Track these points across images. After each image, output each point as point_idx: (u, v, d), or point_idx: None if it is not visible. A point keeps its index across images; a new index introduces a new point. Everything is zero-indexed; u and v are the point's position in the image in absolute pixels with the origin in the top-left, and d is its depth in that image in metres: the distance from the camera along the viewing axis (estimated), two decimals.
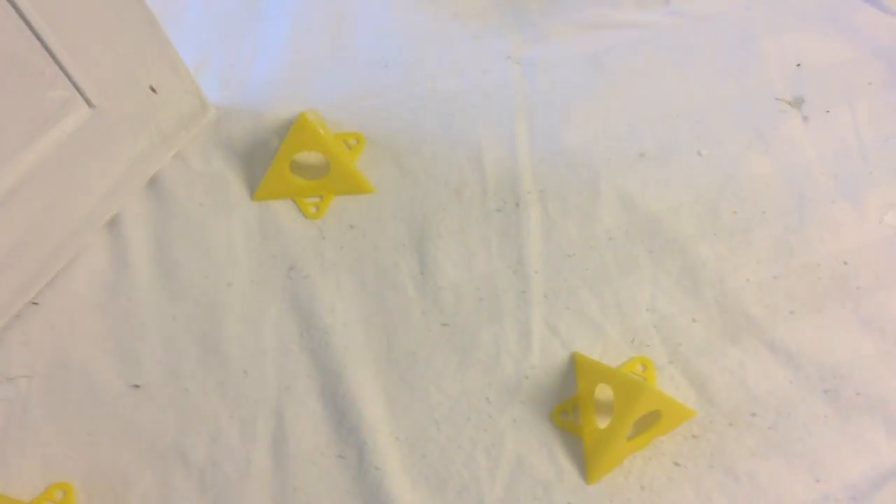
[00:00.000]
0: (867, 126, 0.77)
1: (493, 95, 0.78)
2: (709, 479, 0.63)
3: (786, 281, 0.70)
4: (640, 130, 0.77)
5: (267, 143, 0.75)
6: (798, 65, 0.80)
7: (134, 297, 0.69)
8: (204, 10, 0.83)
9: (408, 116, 0.77)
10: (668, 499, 0.62)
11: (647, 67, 0.81)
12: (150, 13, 0.66)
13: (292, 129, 0.72)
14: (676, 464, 0.64)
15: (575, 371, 0.67)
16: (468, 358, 0.68)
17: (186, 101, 0.74)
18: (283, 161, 0.72)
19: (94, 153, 0.68)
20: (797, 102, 0.79)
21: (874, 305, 0.69)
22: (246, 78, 0.79)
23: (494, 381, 0.67)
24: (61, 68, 0.61)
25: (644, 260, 0.72)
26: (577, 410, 0.65)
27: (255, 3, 0.83)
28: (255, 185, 0.73)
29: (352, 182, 0.73)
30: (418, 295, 0.70)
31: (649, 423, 0.64)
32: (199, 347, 0.68)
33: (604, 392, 0.65)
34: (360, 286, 0.70)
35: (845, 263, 0.71)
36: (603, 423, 0.64)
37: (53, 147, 0.64)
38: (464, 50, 0.80)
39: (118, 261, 0.70)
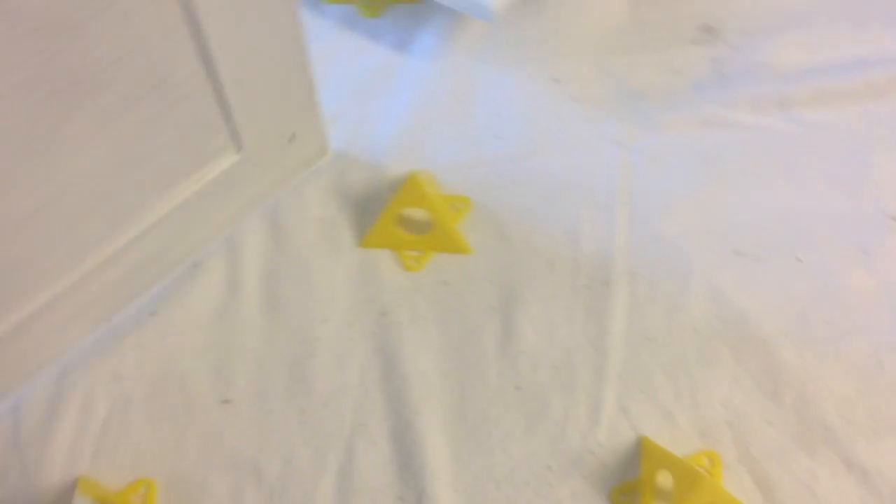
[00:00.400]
0: None
1: (599, 177, 0.81)
2: None
3: (871, 399, 0.69)
4: (740, 229, 0.78)
5: (380, 195, 0.80)
6: None
7: (239, 320, 0.75)
8: (344, 73, 0.90)
9: (514, 187, 0.81)
10: None
11: (756, 169, 0.82)
12: (313, 76, 0.73)
13: (403, 186, 0.78)
14: None
15: (639, 454, 0.68)
16: (536, 424, 0.70)
17: (315, 147, 0.81)
18: (391, 213, 0.77)
19: (227, 190, 0.75)
20: None
21: None
22: (371, 135, 0.85)
23: (559, 451, 0.68)
24: (229, 119, 0.68)
25: (726, 355, 0.72)
26: (637, 494, 0.66)
27: (390, 72, 0.90)
28: (363, 233, 0.79)
29: (452, 241, 0.77)
30: (497, 356, 0.72)
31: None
32: (288, 374, 0.72)
33: (666, 479, 0.65)
34: (445, 340, 0.73)
35: None
36: None
37: (198, 186, 0.71)
38: (576, 131, 0.84)
39: (230, 284, 0.77)
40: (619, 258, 0.76)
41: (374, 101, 0.87)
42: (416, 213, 0.79)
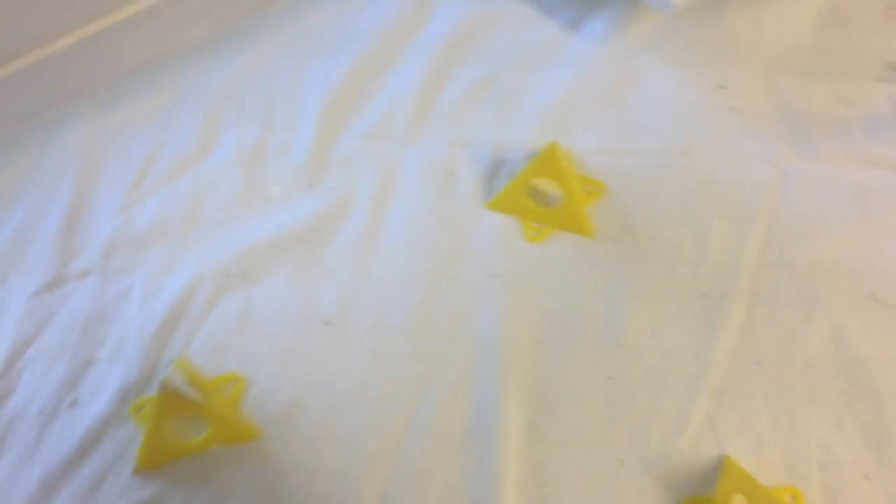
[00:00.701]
0: None
1: (742, 192, 0.78)
2: None
3: None
4: (881, 275, 0.73)
5: (515, 162, 0.81)
6: None
7: (364, 249, 0.77)
8: (508, 40, 0.90)
9: (652, 183, 0.79)
10: None
11: None
12: None
13: (540, 155, 0.78)
14: None
15: (719, 472, 0.65)
16: (619, 416, 0.68)
17: None
18: (523, 181, 0.77)
19: None
20: None
21: None
22: (519, 102, 0.85)
23: (636, 447, 0.67)
24: None
25: (835, 397, 0.68)
26: None
27: (555, 48, 0.89)
28: (491, 195, 0.79)
29: (578, 222, 0.77)
30: (594, 342, 0.71)
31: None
32: (389, 310, 0.74)
33: (741, 503, 0.63)
34: (546, 314, 0.73)
35: None
36: None
37: None
38: (729, 141, 0.81)
39: (351, 210, 0.79)
40: (744, 276, 0.73)
41: (532, 72, 0.87)
42: (548, 186, 0.79)
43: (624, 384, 0.69)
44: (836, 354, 0.70)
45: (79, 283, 0.75)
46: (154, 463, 0.67)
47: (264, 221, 0.78)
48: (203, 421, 0.68)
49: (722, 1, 0.89)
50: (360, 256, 0.76)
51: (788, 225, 0.76)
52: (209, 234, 0.77)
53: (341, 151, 0.82)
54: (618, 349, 0.71)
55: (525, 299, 0.74)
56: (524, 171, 0.77)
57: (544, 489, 0.66)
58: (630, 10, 0.89)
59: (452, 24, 0.91)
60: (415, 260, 0.76)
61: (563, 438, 0.67)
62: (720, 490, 0.63)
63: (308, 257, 0.76)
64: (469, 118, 0.84)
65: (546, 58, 0.88)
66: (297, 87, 0.86)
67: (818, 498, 0.64)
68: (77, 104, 0.83)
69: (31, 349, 0.72)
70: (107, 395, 0.70)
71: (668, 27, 0.88)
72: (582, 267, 0.75)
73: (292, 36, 0.90)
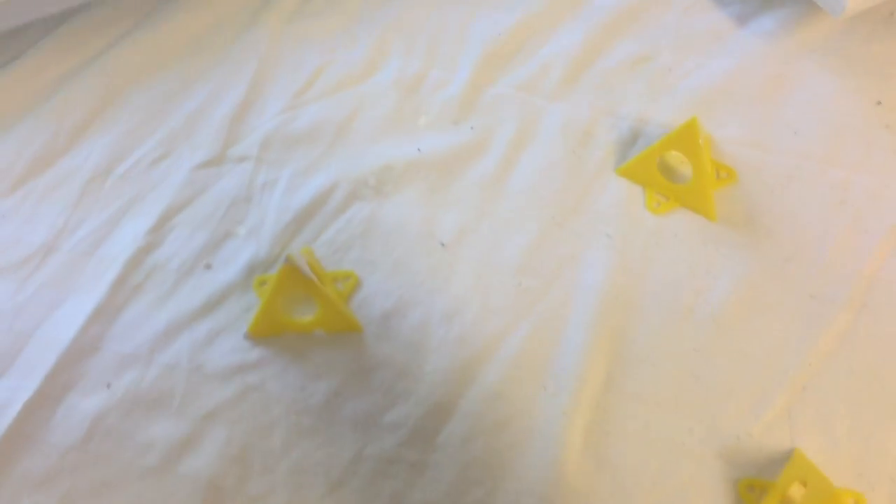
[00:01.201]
0: None
1: (879, 207, 0.76)
2: None
3: None
4: None
5: (651, 134, 0.83)
6: None
7: (492, 186, 0.82)
8: (674, 22, 0.92)
9: (787, 183, 0.79)
10: None
11: None
12: None
13: (679, 129, 0.79)
14: None
15: (784, 462, 0.65)
16: (698, 389, 0.69)
17: None
18: (656, 151, 0.79)
19: None
20: None
21: None
22: (670, 83, 0.86)
23: (707, 421, 0.68)
24: None
25: None
26: (765, 494, 0.64)
27: (719, 36, 0.90)
28: (622, 161, 0.82)
29: (702, 203, 0.77)
30: (690, 315, 0.73)
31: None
32: (516, 252, 0.78)
33: (799, 492, 0.63)
34: (649, 281, 0.75)
35: None
36: None
37: None
38: (878, 157, 0.79)
39: (489, 151, 0.84)
40: (858, 285, 0.73)
41: (690, 55, 0.88)
42: (680, 162, 0.80)
43: (709, 360, 0.71)
44: None
45: (235, 165, 0.84)
46: (264, 331, 0.74)
47: (407, 144, 0.84)
48: (314, 304, 0.74)
49: None
50: (485, 192, 0.81)
51: None
52: (356, 145, 0.84)
53: (490, 97, 0.87)
54: (711, 326, 0.72)
55: (633, 263, 0.76)
56: (660, 143, 0.79)
57: (609, 437, 0.68)
58: (802, 12, 0.88)
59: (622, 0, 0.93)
60: (535, 206, 0.80)
61: (638, 395, 0.69)
62: (783, 477, 0.64)
63: (438, 183, 0.81)
64: (618, 88, 0.87)
65: (707, 45, 0.89)
66: (463, 33, 0.92)
67: None
68: (269, 11, 0.92)
69: (183, 213, 0.81)
70: (237, 266, 0.78)
71: (838, 35, 0.87)
72: (696, 245, 0.77)
73: None
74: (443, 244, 0.78)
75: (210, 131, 0.86)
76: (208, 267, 0.78)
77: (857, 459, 0.65)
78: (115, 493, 0.69)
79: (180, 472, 0.70)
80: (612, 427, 0.68)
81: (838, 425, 0.67)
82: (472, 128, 0.85)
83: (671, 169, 0.81)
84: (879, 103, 0.83)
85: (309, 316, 0.74)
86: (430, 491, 0.68)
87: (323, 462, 0.69)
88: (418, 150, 0.83)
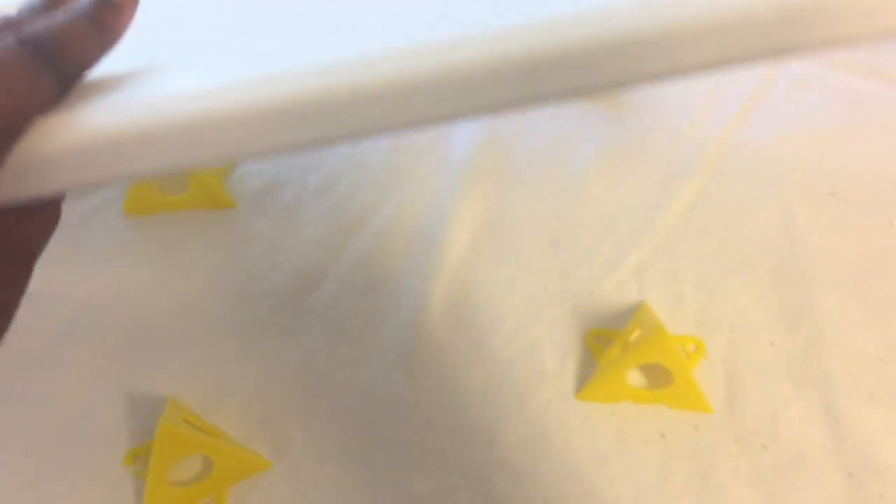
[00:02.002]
0: None
1: (733, 78, 0.80)
2: (679, 466, 0.61)
3: (888, 369, 0.65)
4: (847, 175, 0.74)
5: None
6: None
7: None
8: None
9: None
10: (632, 455, 0.62)
11: None
12: None
13: None
14: (662, 435, 0.63)
15: (632, 314, 0.69)
16: (556, 252, 0.72)
17: None
18: None
19: None
20: None
21: None
22: None
23: (562, 280, 0.71)
24: None
25: (764, 274, 0.70)
26: (610, 342, 0.67)
27: None
28: None
29: None
30: (552, 184, 0.76)
31: (661, 382, 0.64)
32: None
33: (639, 339, 0.66)
34: (516, 152, 0.77)
35: None
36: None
37: None
38: None
39: None
40: (712, 152, 0.76)
41: None
42: None
43: (568, 225, 0.74)
44: (779, 236, 0.72)
45: None
46: (140, 210, 0.76)
47: None
48: (187, 183, 0.76)
49: None
50: None
51: (768, 114, 0.78)
52: None
53: None
54: (572, 194, 0.75)
55: (501, 137, 0.78)
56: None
57: (469, 298, 0.71)
58: None
59: None
60: None
61: (499, 259, 0.72)
62: (628, 326, 0.67)
63: None
64: None
65: None
66: None
67: (720, 352, 0.66)
68: None
69: None
70: None
71: None
72: (563, 119, 0.79)
73: None
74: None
75: None
76: None
77: (701, 310, 0.69)
78: None
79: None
80: (472, 287, 0.71)
81: (684, 280, 0.70)
82: None
83: None
84: None
85: (182, 193, 0.76)
86: (299, 352, 0.70)
87: (201, 330, 0.72)
88: None
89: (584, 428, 0.63)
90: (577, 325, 0.69)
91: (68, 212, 0.76)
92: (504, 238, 0.73)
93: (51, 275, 0.72)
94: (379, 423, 0.64)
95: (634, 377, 0.66)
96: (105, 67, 0.35)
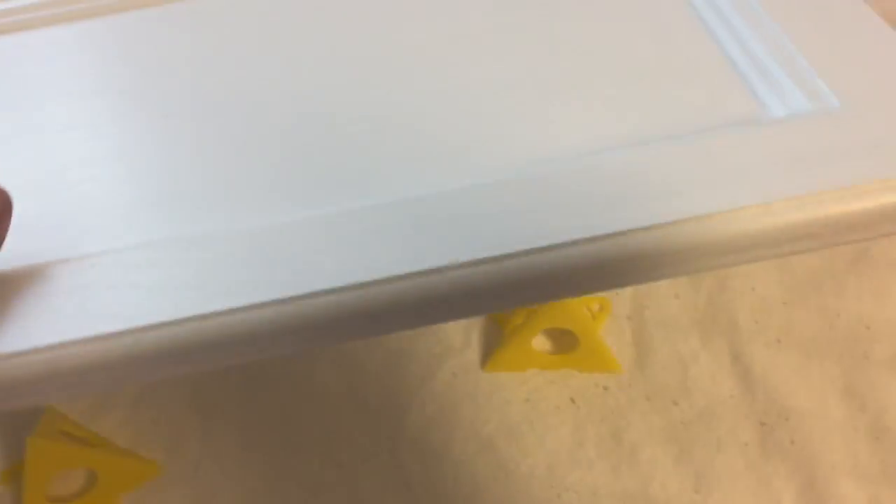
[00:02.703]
0: None
1: None
2: (592, 429, 0.59)
3: (792, 313, 0.64)
4: None
5: None
6: None
7: None
8: None
9: None
10: (543, 424, 0.60)
11: None
12: None
13: None
14: (572, 400, 0.61)
15: None
16: None
17: None
18: None
19: None
20: None
21: (870, 381, 0.61)
22: None
23: None
24: None
25: None
26: (515, 310, 0.65)
27: None
28: None
29: None
30: None
31: (568, 345, 0.62)
32: None
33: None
34: None
35: (868, 328, 0.63)
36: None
37: None
38: None
39: None
40: None
41: None
42: None
43: None
44: None
45: None
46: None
47: None
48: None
49: None
50: None
51: None
52: None
53: None
54: None
55: None
56: None
57: None
58: None
59: None
60: None
61: None
62: None
63: None
64: None
65: None
66: None
67: (625, 309, 0.65)
68: None
69: None
70: None
71: None
72: None
73: None
74: None
75: None
76: None
77: None
78: None
79: None
80: None
81: None
82: None
83: None
84: None
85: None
86: None
87: None
88: None
89: (492, 400, 0.61)
90: None
91: None
92: None
93: None
94: (280, 412, 0.61)
95: (541, 343, 0.63)
96: None
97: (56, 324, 0.31)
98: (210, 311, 0.31)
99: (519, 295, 0.34)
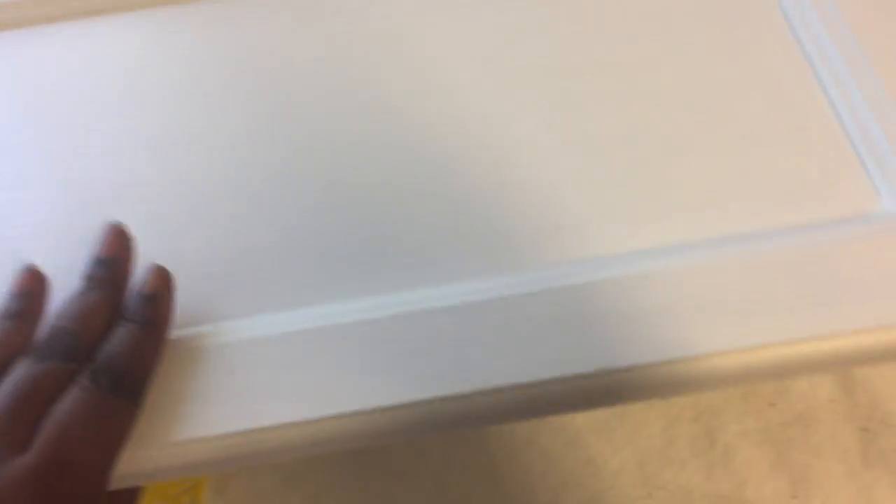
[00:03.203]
0: None
1: None
2: (684, 428, 0.58)
3: None
4: None
5: None
6: None
7: None
8: None
9: None
10: (633, 419, 0.58)
11: None
12: None
13: None
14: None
15: None
16: None
17: None
18: None
19: None
20: None
21: None
22: None
23: None
24: None
25: None
26: None
27: None
28: None
29: None
30: None
31: None
32: None
33: None
34: None
35: None
36: None
37: None
38: None
39: None
40: None
41: None
42: None
43: None
44: None
45: None
46: None
47: None
48: None
49: None
50: None
51: None
52: None
53: None
54: None
55: None
56: None
57: None
58: None
59: None
60: None
61: None
62: None
63: None
64: None
65: None
66: None
67: None
68: None
69: None
70: None
71: None
72: None
73: None
74: None
75: None
76: None
77: None
78: None
79: None
80: None
81: None
82: None
83: None
84: None
85: None
86: None
87: None
88: None
89: None
90: None
91: None
92: None
93: None
94: None
95: None
96: None
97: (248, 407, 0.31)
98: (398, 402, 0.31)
99: None
